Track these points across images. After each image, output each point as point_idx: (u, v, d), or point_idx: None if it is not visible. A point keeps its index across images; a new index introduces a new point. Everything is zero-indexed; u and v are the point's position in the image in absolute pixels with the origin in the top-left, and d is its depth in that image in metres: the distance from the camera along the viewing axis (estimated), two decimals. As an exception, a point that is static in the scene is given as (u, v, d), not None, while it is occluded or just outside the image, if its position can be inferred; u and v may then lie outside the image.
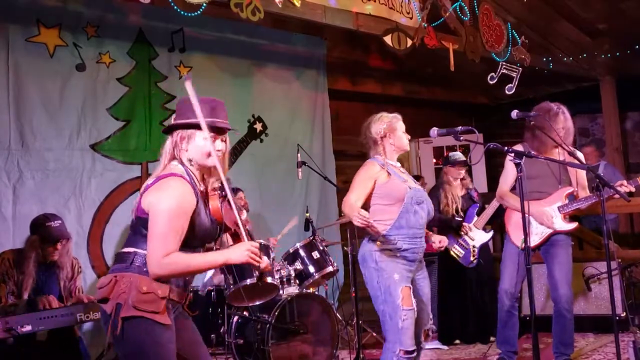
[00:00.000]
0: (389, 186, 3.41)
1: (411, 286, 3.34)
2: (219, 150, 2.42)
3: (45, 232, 3.87)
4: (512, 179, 4.09)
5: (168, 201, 2.28)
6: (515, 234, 4.18)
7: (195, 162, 2.43)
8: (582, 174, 4.20)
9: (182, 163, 2.42)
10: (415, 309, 3.29)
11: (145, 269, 2.29)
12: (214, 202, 2.44)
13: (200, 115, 2.35)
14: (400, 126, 3.57)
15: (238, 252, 2.34)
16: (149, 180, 2.39)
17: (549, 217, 4.07)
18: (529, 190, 3.94)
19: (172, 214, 2.28)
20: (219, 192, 2.47)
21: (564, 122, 4.04)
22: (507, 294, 4.19)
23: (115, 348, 2.29)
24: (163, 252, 2.25)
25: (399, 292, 3.25)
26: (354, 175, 3.51)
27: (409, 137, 3.60)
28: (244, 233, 2.42)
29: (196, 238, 2.37)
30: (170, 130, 2.45)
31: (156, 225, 2.27)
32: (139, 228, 2.35)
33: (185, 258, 2.30)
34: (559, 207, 4.09)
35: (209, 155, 2.40)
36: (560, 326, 4.10)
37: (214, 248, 2.58)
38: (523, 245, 3.27)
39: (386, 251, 3.35)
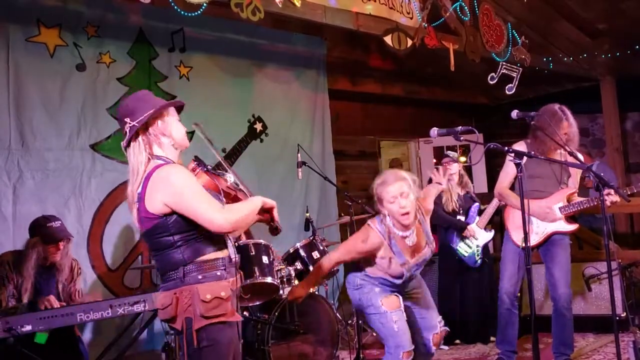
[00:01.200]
0: (387, 264, 3.29)
1: (396, 295, 3.36)
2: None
3: (46, 233, 3.86)
4: (512, 177, 4.10)
5: (182, 178, 2.23)
6: (515, 233, 4.18)
7: (174, 147, 2.37)
8: (579, 177, 4.22)
9: (157, 157, 2.33)
10: (403, 309, 3.32)
11: (200, 276, 2.26)
12: (204, 178, 2.41)
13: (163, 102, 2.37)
14: (387, 194, 3.20)
15: (262, 199, 2.38)
16: (137, 190, 2.27)
17: (552, 212, 4.07)
18: (530, 189, 3.95)
19: (193, 183, 2.25)
20: (200, 168, 2.44)
21: (567, 128, 4.04)
22: (507, 294, 4.19)
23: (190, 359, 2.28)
24: (217, 210, 2.23)
25: (380, 301, 3.30)
26: (352, 234, 3.45)
27: (404, 205, 3.14)
28: (245, 190, 2.42)
29: None
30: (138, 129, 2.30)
31: (192, 200, 2.21)
32: (160, 239, 2.27)
33: (237, 205, 2.32)
34: (560, 208, 4.09)
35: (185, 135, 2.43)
36: (559, 326, 4.11)
37: None
38: (524, 244, 3.27)
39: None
